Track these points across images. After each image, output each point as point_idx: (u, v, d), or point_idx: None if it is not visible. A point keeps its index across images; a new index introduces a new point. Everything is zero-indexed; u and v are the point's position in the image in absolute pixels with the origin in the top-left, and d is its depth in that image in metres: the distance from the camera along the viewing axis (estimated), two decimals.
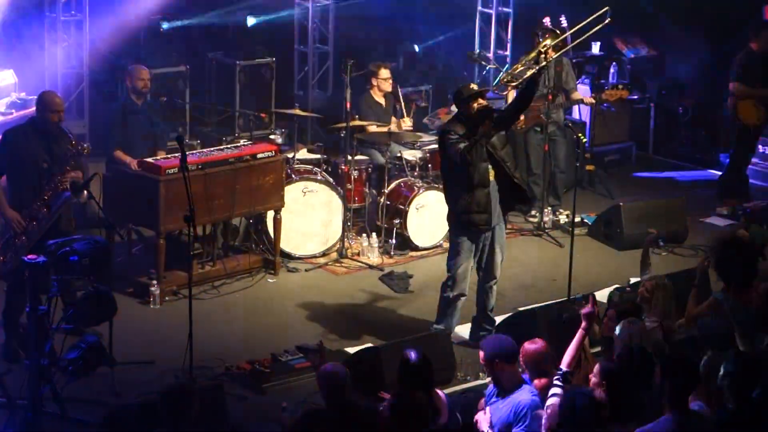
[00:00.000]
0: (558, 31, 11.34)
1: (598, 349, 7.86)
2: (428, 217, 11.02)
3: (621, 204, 11.53)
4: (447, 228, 9.64)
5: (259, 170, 10.24)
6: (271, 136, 11.78)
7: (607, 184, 13.12)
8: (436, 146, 10.58)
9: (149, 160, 9.91)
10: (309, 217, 10.88)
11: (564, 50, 11.26)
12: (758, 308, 7.52)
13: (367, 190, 11.40)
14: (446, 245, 9.49)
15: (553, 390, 6.45)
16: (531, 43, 11.25)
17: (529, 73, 8.92)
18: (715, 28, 14.08)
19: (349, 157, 11.13)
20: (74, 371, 7.99)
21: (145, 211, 9.79)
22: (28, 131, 8.85)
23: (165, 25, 13.00)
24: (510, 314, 9.15)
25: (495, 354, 6.86)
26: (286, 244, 10.74)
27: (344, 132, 11.16)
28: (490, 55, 13.94)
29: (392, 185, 11.19)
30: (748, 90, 12.42)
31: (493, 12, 14.06)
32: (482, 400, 7.07)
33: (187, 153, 8.74)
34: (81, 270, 8.23)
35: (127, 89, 10.72)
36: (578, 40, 10.12)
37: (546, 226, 11.80)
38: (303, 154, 11.65)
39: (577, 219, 11.12)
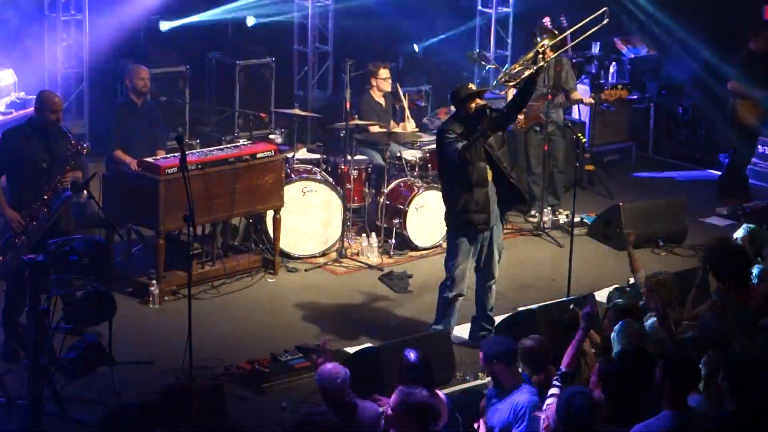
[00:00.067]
0: (556, 32, 11.35)
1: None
2: (428, 217, 11.03)
3: (620, 204, 11.53)
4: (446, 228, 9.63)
5: (259, 170, 10.24)
6: (271, 136, 11.80)
7: (606, 184, 13.12)
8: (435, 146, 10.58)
9: (149, 159, 9.91)
10: (308, 216, 10.89)
11: (563, 50, 11.26)
12: (758, 308, 7.53)
13: (366, 189, 11.40)
14: (445, 245, 9.49)
15: (552, 390, 6.46)
16: (530, 43, 11.25)
17: (527, 73, 8.91)
18: (715, 28, 14.07)
19: (349, 157, 11.13)
20: (74, 371, 8.00)
21: (145, 211, 9.79)
22: (28, 131, 8.85)
23: (165, 25, 12.99)
24: (510, 314, 9.14)
25: (494, 355, 6.87)
26: (286, 243, 10.74)
27: (344, 132, 11.16)
28: (490, 55, 13.94)
29: (392, 185, 11.19)
30: (746, 90, 12.43)
31: (493, 12, 14.06)
32: (483, 402, 7.08)
33: (186, 153, 8.76)
34: (81, 270, 8.23)
35: (127, 89, 10.72)
36: (577, 41, 10.12)
37: (545, 226, 11.80)
38: (302, 153, 11.66)
39: (577, 219, 11.11)
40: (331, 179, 11.10)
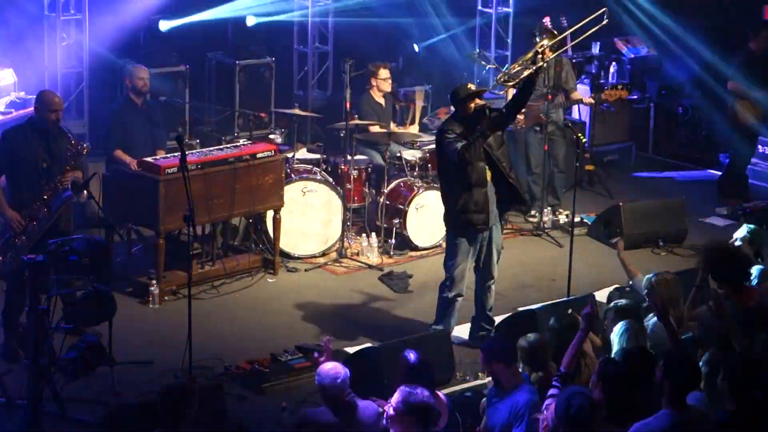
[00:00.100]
0: (555, 32, 11.35)
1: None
2: (428, 217, 11.03)
3: (620, 204, 11.54)
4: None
5: (259, 170, 10.24)
6: (271, 136, 11.79)
7: (606, 184, 13.12)
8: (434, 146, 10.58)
9: (149, 159, 9.91)
10: (308, 216, 10.89)
11: (562, 50, 11.26)
12: (759, 307, 7.53)
13: (366, 189, 11.40)
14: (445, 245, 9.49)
15: (551, 391, 6.45)
16: (530, 43, 11.25)
17: (526, 73, 8.92)
18: (715, 28, 14.07)
19: (349, 157, 11.13)
20: (74, 371, 7.99)
21: (145, 211, 9.79)
22: (27, 131, 8.85)
23: (164, 25, 12.99)
24: (509, 314, 9.14)
25: (494, 354, 6.88)
26: (286, 243, 10.74)
27: (344, 132, 11.16)
28: (490, 55, 13.94)
29: (392, 185, 11.19)
30: (746, 91, 12.44)
31: (493, 12, 14.06)
32: (483, 402, 7.08)
33: (186, 153, 8.75)
34: (80, 270, 8.23)
35: (126, 89, 10.72)
36: (577, 41, 10.13)
37: (545, 226, 11.81)
38: (302, 153, 11.66)
39: (577, 219, 11.11)
40: (331, 179, 11.10)
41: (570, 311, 7.66)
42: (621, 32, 14.68)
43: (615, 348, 7.14)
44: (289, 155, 11.16)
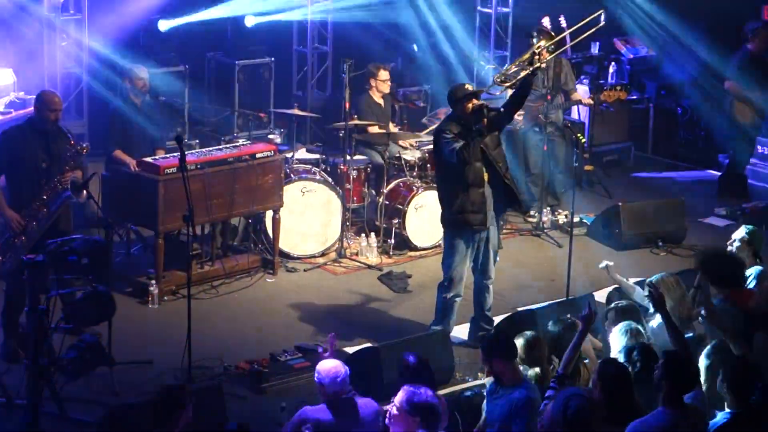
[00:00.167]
0: (552, 33, 11.36)
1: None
2: (427, 217, 11.02)
3: (620, 204, 11.55)
4: None
5: (258, 170, 10.25)
6: (270, 136, 11.80)
7: (605, 185, 13.13)
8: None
9: (148, 159, 9.91)
10: (308, 216, 10.89)
11: (559, 51, 11.26)
12: (757, 309, 7.54)
13: (366, 190, 11.40)
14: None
15: (548, 393, 6.46)
16: (528, 43, 11.26)
17: (522, 74, 8.93)
18: (714, 29, 14.08)
19: (348, 157, 11.14)
20: (73, 371, 8.00)
21: (144, 211, 9.79)
22: (27, 131, 8.85)
23: (164, 25, 13.00)
24: (509, 314, 9.15)
25: (494, 351, 6.89)
26: (285, 243, 10.74)
27: (343, 132, 11.16)
28: (489, 55, 13.94)
29: (391, 185, 11.20)
30: (743, 91, 12.45)
31: (492, 12, 14.06)
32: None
33: (186, 153, 8.76)
34: (80, 270, 8.23)
35: (126, 89, 10.72)
36: (575, 41, 10.14)
37: (545, 226, 11.81)
38: (302, 153, 11.66)
39: (576, 219, 11.12)
40: (330, 179, 11.11)
41: (569, 316, 7.67)
42: (620, 32, 14.69)
43: (615, 348, 7.15)
44: (289, 155, 11.16)
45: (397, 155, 11.45)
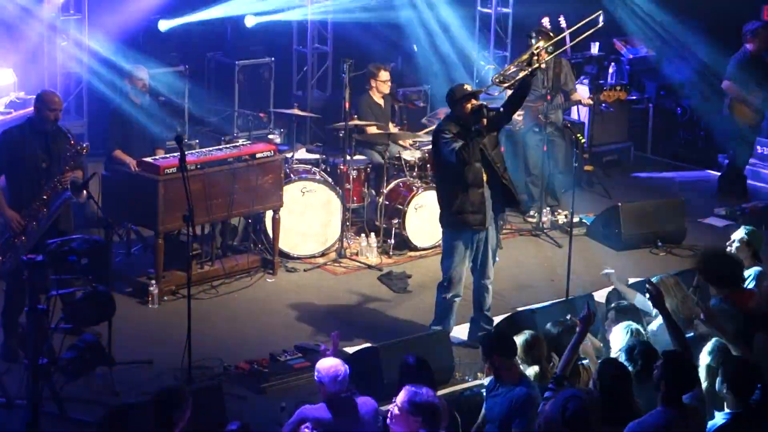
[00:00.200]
0: (551, 34, 11.36)
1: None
2: (427, 217, 11.02)
3: (619, 204, 11.55)
4: None
5: (258, 170, 10.25)
6: (270, 136, 11.80)
7: (605, 185, 13.13)
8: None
9: (148, 159, 9.92)
10: (308, 217, 10.89)
11: (558, 52, 11.27)
12: (757, 309, 7.54)
13: (365, 190, 11.41)
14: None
15: (546, 394, 6.46)
16: (527, 44, 11.27)
17: (521, 74, 8.94)
18: (714, 29, 14.09)
19: (348, 157, 11.14)
20: (73, 371, 8.00)
21: (144, 211, 9.80)
22: (27, 131, 8.84)
23: (164, 25, 13.00)
24: (509, 314, 9.15)
25: (493, 347, 6.90)
26: (285, 243, 10.75)
27: (343, 132, 11.17)
28: (489, 55, 13.95)
29: (391, 185, 11.20)
30: (740, 92, 12.45)
31: (492, 12, 14.06)
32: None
33: (186, 153, 8.76)
34: (80, 270, 8.23)
35: (126, 89, 10.72)
36: (574, 42, 10.15)
37: (544, 226, 11.81)
38: (302, 153, 11.67)
39: (576, 219, 11.13)
40: (330, 179, 11.11)
41: (569, 316, 7.68)
42: (620, 33, 14.69)
43: (616, 347, 7.15)
44: (289, 155, 11.16)
45: (397, 155, 11.45)
